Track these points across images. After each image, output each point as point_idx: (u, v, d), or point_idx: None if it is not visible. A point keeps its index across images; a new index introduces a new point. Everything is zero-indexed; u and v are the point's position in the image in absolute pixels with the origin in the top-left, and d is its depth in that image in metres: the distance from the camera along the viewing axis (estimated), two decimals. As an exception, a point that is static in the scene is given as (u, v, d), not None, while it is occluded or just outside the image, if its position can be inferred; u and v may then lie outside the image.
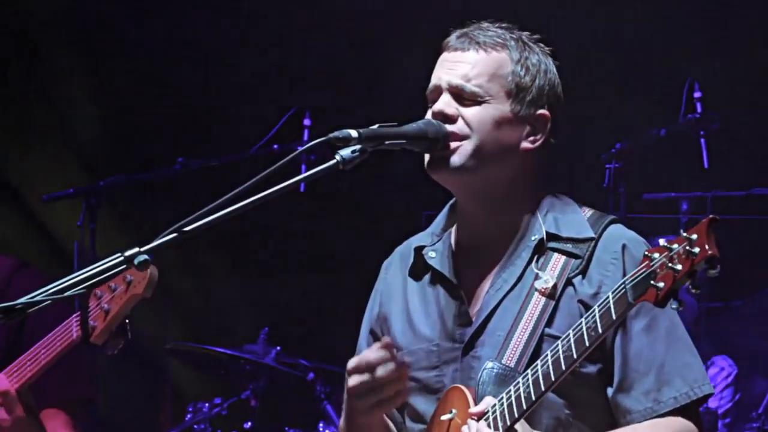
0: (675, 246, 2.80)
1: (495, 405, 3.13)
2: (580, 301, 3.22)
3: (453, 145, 3.27)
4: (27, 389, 4.02)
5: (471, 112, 3.29)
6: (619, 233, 3.31)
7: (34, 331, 4.06)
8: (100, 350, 3.85)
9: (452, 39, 3.37)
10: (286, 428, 6.41)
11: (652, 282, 2.82)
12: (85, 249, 6.26)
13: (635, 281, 2.87)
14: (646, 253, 2.86)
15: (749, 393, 6.78)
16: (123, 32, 7.70)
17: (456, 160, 3.27)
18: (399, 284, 3.49)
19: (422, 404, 3.35)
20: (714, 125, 6.60)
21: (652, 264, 2.83)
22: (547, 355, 3.07)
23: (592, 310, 2.99)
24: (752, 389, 6.78)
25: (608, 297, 2.94)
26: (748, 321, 6.74)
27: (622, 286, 2.91)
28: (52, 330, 3.95)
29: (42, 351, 3.95)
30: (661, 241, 2.83)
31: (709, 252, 2.75)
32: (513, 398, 3.10)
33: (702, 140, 6.57)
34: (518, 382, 3.11)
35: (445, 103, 3.30)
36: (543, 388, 3.06)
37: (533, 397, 3.07)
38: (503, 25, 3.39)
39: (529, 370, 3.10)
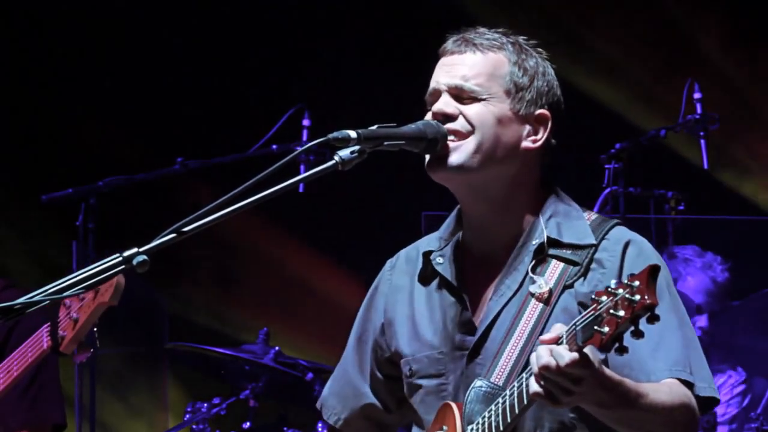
0: (619, 291, 2.74)
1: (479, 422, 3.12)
2: (580, 303, 3.21)
3: (453, 144, 3.26)
4: None
5: (472, 110, 3.27)
6: (621, 235, 3.28)
7: (19, 339, 4.08)
8: (69, 359, 3.88)
9: (449, 43, 3.36)
10: (285, 428, 6.40)
11: (596, 327, 2.76)
12: (83, 249, 6.25)
13: (584, 323, 2.81)
14: (594, 297, 2.80)
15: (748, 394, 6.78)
16: (121, 32, 7.70)
17: (457, 158, 3.25)
18: (405, 288, 3.46)
19: (426, 411, 3.35)
20: (714, 126, 6.59)
21: (599, 308, 2.77)
22: (513, 386, 3.03)
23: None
24: (752, 390, 6.78)
25: (562, 337, 2.87)
26: (747, 321, 6.73)
27: (573, 327, 2.84)
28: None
29: (14, 362, 3.98)
30: (612, 282, 2.77)
31: (648, 301, 2.69)
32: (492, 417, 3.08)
33: (702, 141, 6.57)
34: (497, 400, 3.08)
35: (445, 103, 3.29)
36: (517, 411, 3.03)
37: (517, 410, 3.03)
38: (499, 30, 3.39)
39: (507, 390, 3.06)
